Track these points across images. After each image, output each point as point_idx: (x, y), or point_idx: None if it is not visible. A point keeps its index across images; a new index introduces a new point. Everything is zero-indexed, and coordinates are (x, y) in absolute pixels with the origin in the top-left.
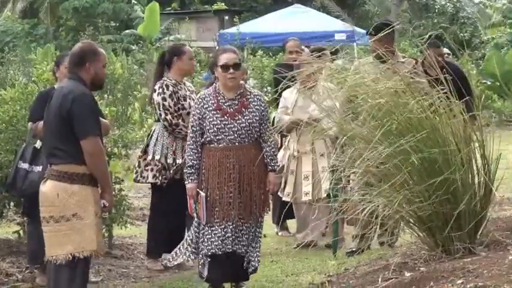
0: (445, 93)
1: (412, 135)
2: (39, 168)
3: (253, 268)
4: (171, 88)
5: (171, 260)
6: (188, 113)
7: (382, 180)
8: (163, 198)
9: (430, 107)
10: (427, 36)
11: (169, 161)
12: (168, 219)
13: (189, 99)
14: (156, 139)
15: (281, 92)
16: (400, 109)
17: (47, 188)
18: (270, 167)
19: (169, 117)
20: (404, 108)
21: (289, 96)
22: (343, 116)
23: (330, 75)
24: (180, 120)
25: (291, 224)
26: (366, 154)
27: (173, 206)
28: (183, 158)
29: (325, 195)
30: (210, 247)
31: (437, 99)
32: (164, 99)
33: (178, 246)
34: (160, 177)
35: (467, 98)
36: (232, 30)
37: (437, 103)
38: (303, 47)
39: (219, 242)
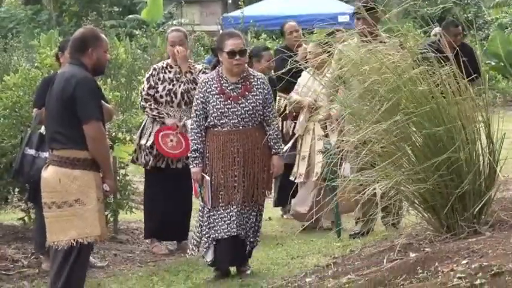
0: (452, 71)
1: (415, 109)
2: (46, 154)
3: (250, 249)
4: (151, 71)
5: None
6: (161, 96)
7: (386, 160)
8: (148, 183)
9: (437, 85)
10: (433, 15)
11: (143, 141)
12: (156, 203)
13: (174, 82)
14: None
15: (288, 74)
16: (407, 86)
17: (48, 173)
18: (273, 150)
19: (139, 99)
20: (411, 85)
21: (305, 76)
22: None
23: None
24: (147, 103)
25: None
26: (366, 130)
27: (160, 191)
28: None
29: (316, 177)
30: (219, 231)
31: (445, 78)
32: (143, 82)
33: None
34: (132, 158)
35: (474, 75)
36: (236, 13)
37: (445, 81)
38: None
39: (226, 226)
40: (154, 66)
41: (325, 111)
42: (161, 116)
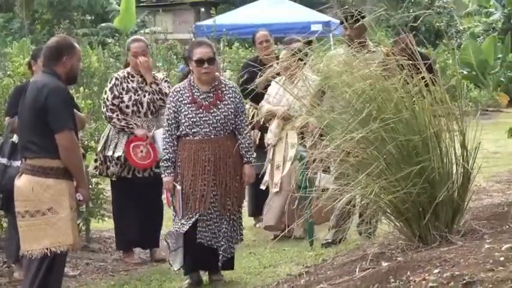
0: (425, 80)
1: (388, 117)
2: (18, 163)
3: (226, 259)
4: (113, 81)
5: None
6: (127, 106)
7: (359, 170)
8: (117, 193)
9: (410, 94)
10: (404, 25)
11: (109, 153)
12: (127, 212)
13: (139, 91)
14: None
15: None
16: (381, 96)
17: (21, 182)
18: (245, 159)
19: (104, 109)
20: (385, 95)
21: (275, 85)
22: (320, 105)
23: (312, 66)
24: (114, 114)
25: None
26: (340, 138)
27: (130, 201)
28: (123, 152)
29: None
30: (187, 239)
31: (417, 86)
32: (105, 92)
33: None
34: (99, 170)
35: (445, 87)
36: (209, 22)
37: (418, 89)
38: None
39: (192, 234)
40: (116, 75)
41: (302, 119)
42: (130, 126)
